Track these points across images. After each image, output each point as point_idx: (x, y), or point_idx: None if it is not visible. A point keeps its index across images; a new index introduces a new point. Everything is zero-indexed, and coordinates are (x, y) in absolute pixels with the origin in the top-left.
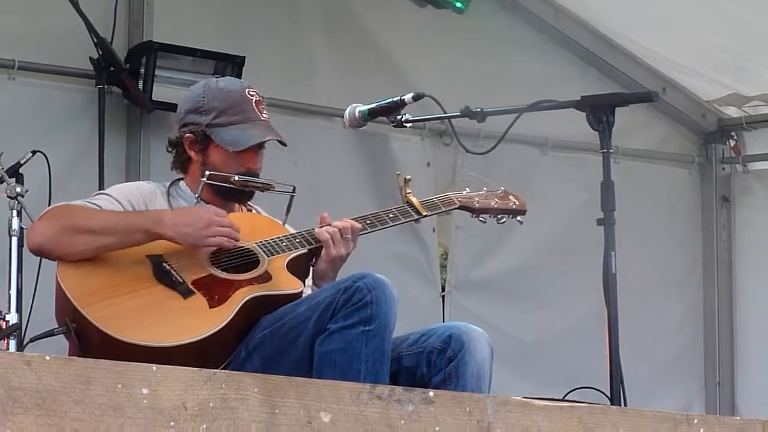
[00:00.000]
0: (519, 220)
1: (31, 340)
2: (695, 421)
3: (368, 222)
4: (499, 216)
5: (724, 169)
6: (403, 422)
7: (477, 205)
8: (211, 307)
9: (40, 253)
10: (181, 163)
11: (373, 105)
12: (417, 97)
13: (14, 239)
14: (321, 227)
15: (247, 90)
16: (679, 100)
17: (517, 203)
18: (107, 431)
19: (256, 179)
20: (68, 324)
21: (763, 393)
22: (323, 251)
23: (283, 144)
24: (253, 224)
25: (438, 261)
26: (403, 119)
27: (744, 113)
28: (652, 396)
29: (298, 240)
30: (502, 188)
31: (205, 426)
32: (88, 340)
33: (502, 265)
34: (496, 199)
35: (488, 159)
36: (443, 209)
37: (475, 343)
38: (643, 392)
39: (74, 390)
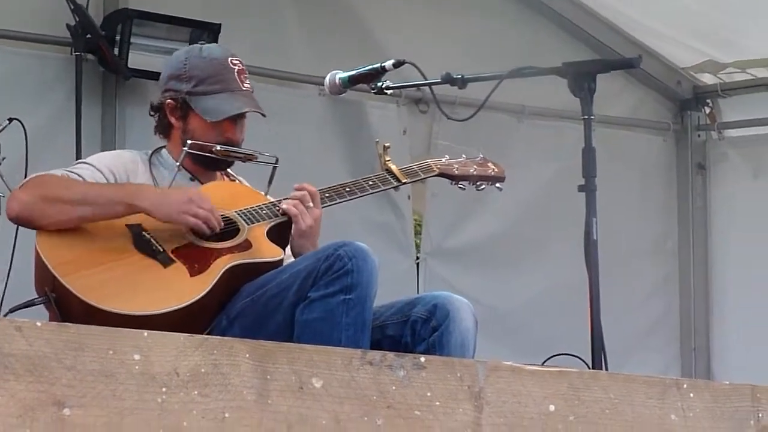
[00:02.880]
0: (498, 187)
1: (11, 311)
2: (684, 386)
3: (347, 190)
4: (478, 183)
5: (699, 136)
6: (394, 388)
7: (456, 172)
8: (191, 276)
9: (19, 221)
10: (163, 128)
11: (354, 72)
12: (398, 64)
13: None
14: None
15: (230, 59)
16: (654, 67)
17: (496, 170)
18: (99, 397)
19: (239, 149)
20: (48, 294)
21: (738, 358)
22: (294, 228)
23: (263, 115)
24: (234, 192)
25: (413, 228)
26: (383, 86)
27: (719, 80)
28: (629, 362)
29: (278, 208)
30: (481, 155)
31: (197, 392)
32: (68, 310)
33: (478, 233)
34: (475, 167)
35: (465, 126)
36: (423, 176)
37: (460, 312)
38: (620, 359)
39: (66, 356)
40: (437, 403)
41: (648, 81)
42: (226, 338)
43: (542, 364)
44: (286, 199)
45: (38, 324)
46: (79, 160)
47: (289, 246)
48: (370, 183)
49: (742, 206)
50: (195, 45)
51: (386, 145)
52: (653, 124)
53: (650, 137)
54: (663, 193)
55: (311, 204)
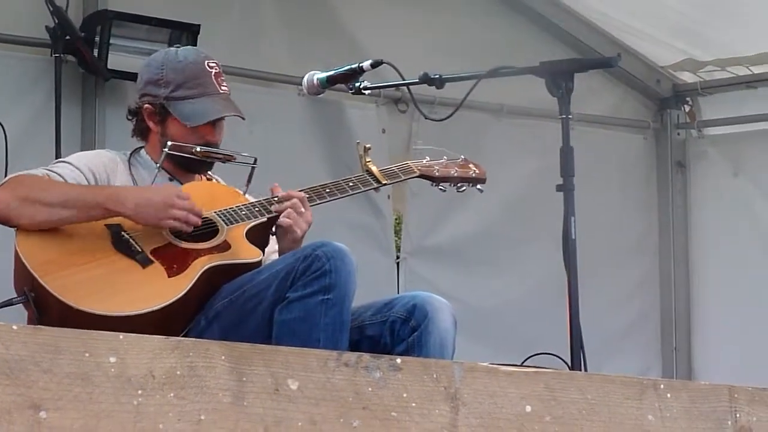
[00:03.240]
0: (479, 189)
1: None
2: (662, 386)
3: (327, 191)
4: (459, 184)
5: (679, 134)
6: (370, 389)
7: (437, 173)
8: (169, 276)
9: None
10: (141, 132)
11: (332, 72)
12: (375, 64)
13: None
14: (279, 206)
15: (206, 62)
16: (633, 65)
17: (477, 171)
18: (76, 400)
19: (218, 150)
20: (27, 293)
21: (719, 357)
22: (288, 235)
23: (242, 118)
24: (213, 193)
25: (393, 228)
26: (361, 86)
27: (699, 78)
28: (609, 361)
29: (257, 209)
30: (462, 157)
31: (173, 394)
32: (47, 310)
33: (457, 232)
34: (456, 168)
35: (443, 126)
36: (403, 178)
37: (439, 313)
38: (600, 358)
39: (42, 359)
40: (413, 404)
41: (628, 80)
42: (201, 340)
43: (522, 363)
44: (272, 201)
45: (14, 327)
46: (59, 159)
47: (277, 247)
48: (350, 184)
49: (722, 204)
50: (171, 48)
51: (367, 146)
52: (633, 122)
53: (630, 135)
54: (643, 191)
55: (303, 209)
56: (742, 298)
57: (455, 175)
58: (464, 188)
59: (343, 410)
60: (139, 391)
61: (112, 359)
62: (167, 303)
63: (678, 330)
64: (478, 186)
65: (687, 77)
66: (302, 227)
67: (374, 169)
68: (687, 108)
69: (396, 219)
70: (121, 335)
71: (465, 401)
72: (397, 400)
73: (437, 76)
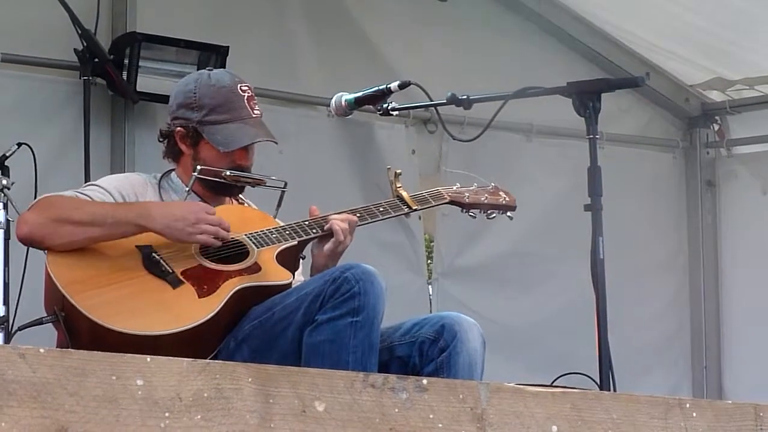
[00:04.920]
0: (509, 216)
1: (20, 329)
2: (687, 405)
3: (358, 215)
4: (489, 211)
5: (708, 153)
6: (397, 410)
7: (467, 200)
8: (200, 297)
9: (29, 242)
10: (173, 154)
11: (360, 93)
12: (403, 86)
13: (0, 232)
14: (330, 217)
15: (239, 86)
16: (662, 84)
17: (507, 199)
18: (103, 423)
19: (248, 174)
20: (57, 313)
21: (749, 376)
22: (332, 242)
23: (275, 142)
24: (244, 216)
25: (424, 249)
26: (389, 107)
27: (728, 97)
28: (640, 380)
29: (288, 232)
30: (493, 184)
31: (200, 416)
32: (77, 329)
33: (488, 252)
34: (487, 195)
35: (473, 146)
36: (433, 203)
37: (467, 333)
38: (631, 377)
39: (69, 382)
40: (440, 425)
41: (656, 99)
42: (228, 362)
43: (552, 382)
44: (303, 225)
45: (41, 350)
46: (89, 182)
47: (311, 266)
48: (381, 209)
49: (751, 222)
50: (203, 71)
51: (398, 171)
52: (662, 141)
53: (659, 154)
54: (673, 210)
55: (351, 229)
56: None
57: (485, 202)
58: (494, 215)
59: (369, 431)
60: (166, 414)
61: (139, 382)
62: (197, 323)
63: (708, 349)
64: (508, 213)
65: (716, 96)
66: (347, 240)
67: (405, 194)
68: (716, 127)
69: (427, 242)
70: (148, 358)
71: (491, 422)
72: (423, 421)
73: (465, 96)
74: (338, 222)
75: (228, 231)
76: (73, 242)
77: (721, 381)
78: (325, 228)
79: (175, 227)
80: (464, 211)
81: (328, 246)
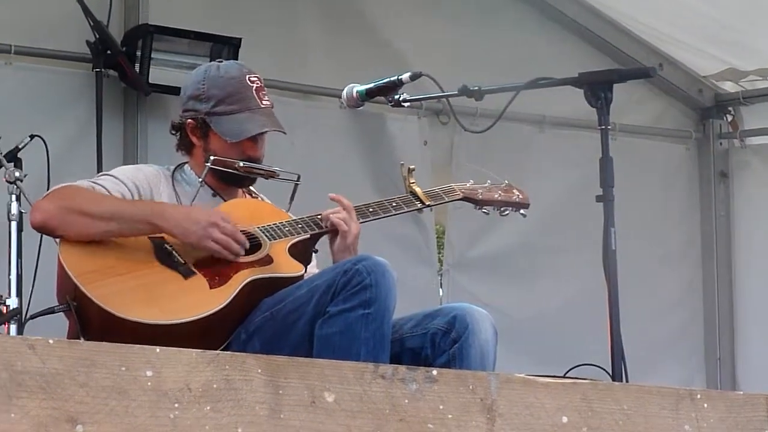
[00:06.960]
0: (522, 213)
1: (31, 317)
2: (698, 396)
3: (371, 210)
4: (502, 208)
5: (721, 144)
6: (407, 401)
7: (480, 197)
8: (211, 288)
9: (43, 230)
10: (185, 146)
11: (371, 85)
12: (414, 77)
13: (13, 224)
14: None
15: (248, 76)
16: (675, 75)
17: (520, 197)
18: (112, 413)
19: (261, 166)
20: (69, 302)
21: (763, 367)
22: (339, 236)
23: (283, 132)
24: (256, 209)
25: (435, 240)
26: (401, 99)
27: (741, 88)
28: (653, 372)
29: (300, 225)
30: (506, 181)
31: (209, 407)
32: (88, 318)
33: (499, 244)
34: (500, 192)
35: (485, 137)
36: (446, 199)
37: (479, 324)
38: (644, 368)
39: (78, 373)
40: (450, 416)
41: (669, 89)
42: (237, 353)
43: (565, 374)
44: (315, 219)
45: (51, 341)
46: (103, 173)
47: (332, 259)
48: (394, 204)
49: (765, 213)
50: (213, 63)
51: (411, 167)
52: (675, 132)
53: (672, 146)
54: (685, 201)
55: (351, 216)
56: None
57: (499, 199)
58: (507, 212)
59: (379, 422)
60: (176, 405)
61: (149, 373)
62: (208, 313)
63: (721, 340)
64: (522, 211)
65: (729, 87)
66: (352, 228)
67: (418, 190)
68: (729, 118)
69: (439, 233)
70: (158, 349)
71: (501, 412)
72: (433, 412)
73: (476, 87)
74: (334, 215)
75: (242, 245)
76: (88, 234)
77: (735, 373)
78: (326, 225)
79: (188, 231)
80: (477, 207)
81: (337, 243)
